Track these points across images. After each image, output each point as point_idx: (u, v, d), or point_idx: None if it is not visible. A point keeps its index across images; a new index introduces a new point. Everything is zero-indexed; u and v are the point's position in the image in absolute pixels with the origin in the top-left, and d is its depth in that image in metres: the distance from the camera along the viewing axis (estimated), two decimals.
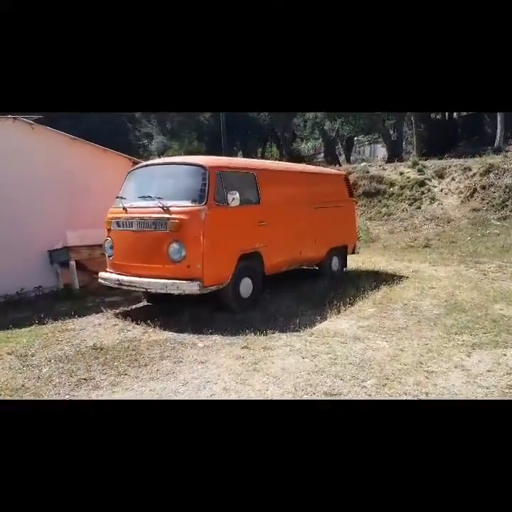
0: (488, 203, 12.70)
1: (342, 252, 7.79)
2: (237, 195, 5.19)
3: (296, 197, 6.59)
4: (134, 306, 6.08)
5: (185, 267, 4.97)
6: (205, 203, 5.02)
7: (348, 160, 24.65)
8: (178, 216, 4.96)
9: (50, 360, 4.17)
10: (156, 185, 5.52)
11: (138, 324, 5.17)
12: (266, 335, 4.65)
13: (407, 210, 13.92)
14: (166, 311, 5.61)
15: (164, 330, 4.95)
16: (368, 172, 15.70)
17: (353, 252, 8.17)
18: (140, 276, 5.19)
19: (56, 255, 6.76)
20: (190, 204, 5.04)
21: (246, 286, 5.63)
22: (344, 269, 7.95)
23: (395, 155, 19.84)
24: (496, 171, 13.23)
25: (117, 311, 5.82)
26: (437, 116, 23.64)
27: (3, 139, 6.42)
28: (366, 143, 29.85)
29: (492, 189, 12.96)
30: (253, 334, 4.67)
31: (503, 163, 13.37)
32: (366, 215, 14.22)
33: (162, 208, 5.04)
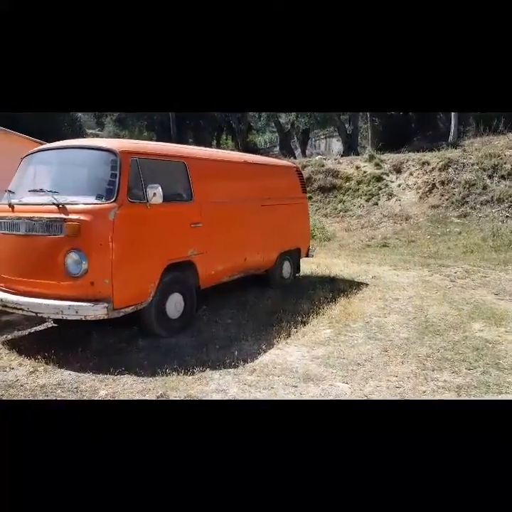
0: (447, 200, 12.13)
1: (294, 256, 6.77)
2: (160, 189, 4.02)
3: (239, 192, 5.49)
4: (33, 329, 4.79)
5: (88, 283, 3.76)
6: (115, 200, 3.83)
7: (303, 154, 23.99)
8: (77, 216, 3.73)
9: None
10: (53, 175, 4.28)
11: (28, 358, 3.93)
12: (193, 374, 3.55)
13: (363, 206, 13.18)
14: (72, 338, 4.39)
15: (60, 367, 3.74)
16: (323, 166, 14.86)
17: (307, 256, 7.18)
18: (30, 295, 3.94)
19: None
20: (95, 201, 3.83)
21: (175, 304, 4.49)
22: (296, 275, 6.95)
23: (350, 149, 19.24)
24: (455, 166, 12.69)
25: (9, 336, 4.53)
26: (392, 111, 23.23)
27: None
28: (322, 137, 29.34)
29: (451, 185, 12.40)
30: (176, 373, 3.55)
31: (463, 157, 12.85)
32: (322, 212, 13.37)
33: (57, 205, 3.81)
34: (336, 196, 13.81)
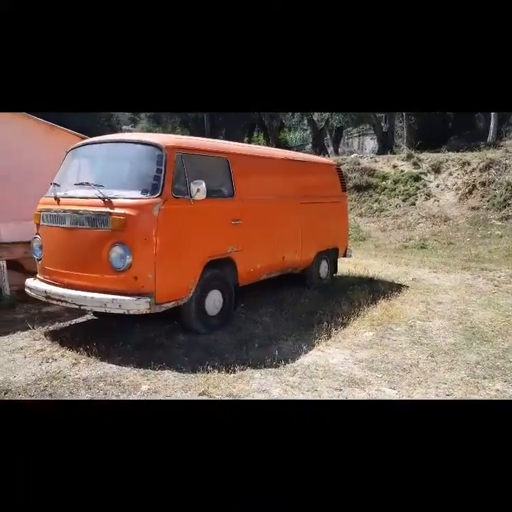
0: (488, 201, 11.72)
1: (332, 255, 6.65)
2: (204, 185, 3.98)
3: (279, 189, 5.41)
4: (73, 321, 4.86)
5: (132, 277, 3.77)
6: (160, 195, 3.81)
7: (336, 152, 23.70)
8: (122, 211, 3.74)
9: None
10: (98, 169, 4.31)
11: (70, 350, 3.97)
12: (234, 372, 3.51)
13: (400, 206, 12.88)
14: (112, 331, 4.42)
15: (102, 360, 3.76)
16: (358, 164, 14.63)
17: (345, 255, 7.04)
18: (74, 287, 3.97)
19: None
20: (140, 195, 3.83)
21: (214, 301, 4.46)
22: (334, 275, 6.82)
23: (385, 147, 18.85)
24: (497, 167, 12.25)
25: (50, 328, 4.60)
26: None
27: None
28: (355, 135, 28.92)
29: (492, 186, 11.98)
30: (217, 371, 3.51)
31: (505, 158, 12.39)
32: (356, 211, 13.14)
33: (102, 199, 3.82)
34: (371, 195, 13.55)
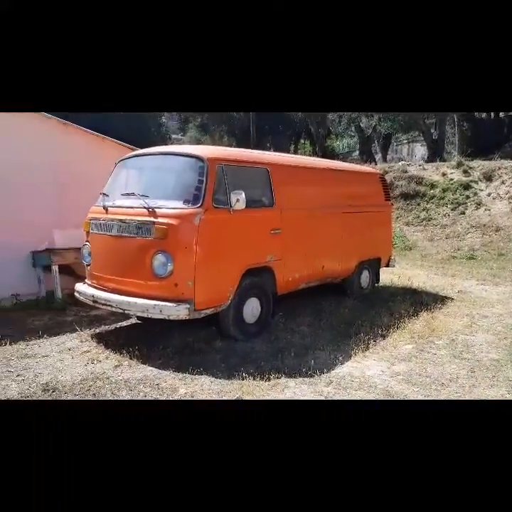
0: None
1: (374, 265, 6.57)
2: (244, 195, 4.09)
3: (320, 199, 5.43)
4: (118, 325, 5.08)
5: (172, 284, 3.92)
6: (201, 205, 3.95)
7: (384, 159, 23.28)
8: (165, 220, 3.90)
9: None
10: (143, 180, 4.51)
11: (114, 352, 4.16)
12: (269, 380, 3.56)
13: (449, 215, 12.50)
14: (153, 335, 4.58)
15: (143, 363, 3.92)
16: (406, 172, 14.31)
17: (388, 265, 6.94)
18: (119, 292, 4.17)
19: (38, 258, 5.85)
20: (182, 205, 3.98)
21: (251, 309, 4.54)
22: (376, 285, 6.73)
23: (435, 155, 18.36)
24: None
25: (97, 330, 4.83)
26: (482, 115, 21.81)
27: None
28: (404, 141, 28.38)
29: None
30: (252, 378, 3.58)
31: None
32: (403, 220, 12.87)
33: (147, 208, 4.00)
34: (419, 204, 13.23)
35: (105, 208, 4.40)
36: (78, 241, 6.00)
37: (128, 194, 4.29)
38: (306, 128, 27.61)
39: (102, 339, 4.51)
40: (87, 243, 4.63)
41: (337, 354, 4.11)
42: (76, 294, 4.68)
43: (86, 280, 4.74)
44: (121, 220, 4.16)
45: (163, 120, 26.20)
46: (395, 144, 28.51)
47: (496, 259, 9.76)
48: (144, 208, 4.02)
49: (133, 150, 6.88)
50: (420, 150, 27.21)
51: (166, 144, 23.74)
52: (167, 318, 3.89)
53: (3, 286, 5.53)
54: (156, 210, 3.97)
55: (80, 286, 4.66)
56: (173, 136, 28.20)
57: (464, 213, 12.35)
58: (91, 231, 4.52)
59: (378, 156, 24.31)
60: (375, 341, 4.41)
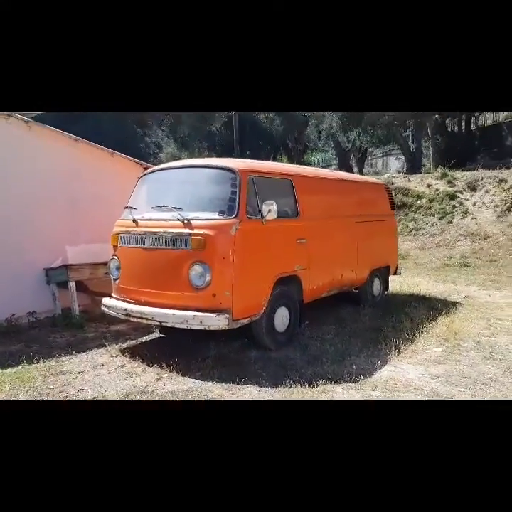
0: None
1: (384, 273, 6.72)
2: (275, 206, 4.16)
3: (337, 209, 5.55)
4: (144, 339, 5.03)
5: (210, 295, 3.93)
6: (236, 216, 4.00)
7: (360, 173, 23.75)
8: (201, 231, 3.93)
9: None
10: (173, 193, 4.51)
11: (149, 366, 4.12)
12: (316, 386, 3.59)
13: (437, 224, 12.84)
14: (184, 348, 4.56)
15: (183, 375, 3.89)
16: (392, 183, 14.65)
17: (395, 273, 7.10)
18: (152, 305, 4.15)
19: (53, 275, 5.74)
20: (217, 216, 4.02)
21: (282, 318, 4.58)
22: (386, 292, 6.87)
23: (414, 167, 18.86)
24: None
25: (124, 345, 4.77)
26: (454, 128, 22.61)
27: None
28: (379, 155, 29.00)
29: None
30: (299, 385, 3.60)
31: None
32: None
33: (182, 220, 4.02)
34: (406, 214, 13.56)
35: (135, 221, 4.39)
36: (91, 256, 5.99)
37: (159, 207, 4.30)
38: (283, 143, 28.03)
39: (133, 353, 4.45)
40: (114, 257, 4.59)
41: (372, 359, 4.18)
42: (104, 308, 4.62)
43: (112, 294, 4.68)
44: (154, 233, 4.15)
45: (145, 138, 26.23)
46: (369, 157, 29.14)
47: (489, 265, 10.07)
48: (179, 219, 4.04)
49: (140, 164, 6.91)
50: (395, 163, 27.80)
51: (149, 157, 23.79)
52: (207, 328, 3.89)
53: (19, 304, 5.41)
54: (192, 221, 3.99)
55: (108, 301, 4.60)
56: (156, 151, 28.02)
57: (451, 222, 12.71)
58: (120, 245, 4.49)
59: (355, 170, 24.82)
60: (404, 346, 4.50)
